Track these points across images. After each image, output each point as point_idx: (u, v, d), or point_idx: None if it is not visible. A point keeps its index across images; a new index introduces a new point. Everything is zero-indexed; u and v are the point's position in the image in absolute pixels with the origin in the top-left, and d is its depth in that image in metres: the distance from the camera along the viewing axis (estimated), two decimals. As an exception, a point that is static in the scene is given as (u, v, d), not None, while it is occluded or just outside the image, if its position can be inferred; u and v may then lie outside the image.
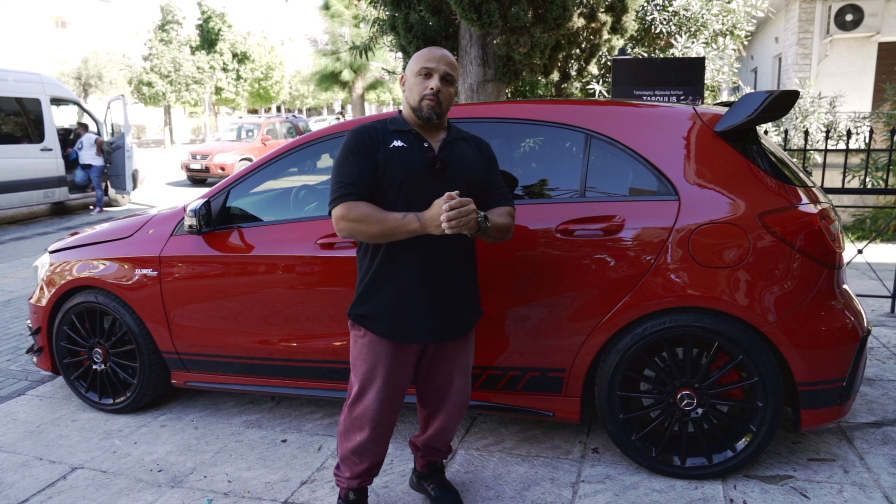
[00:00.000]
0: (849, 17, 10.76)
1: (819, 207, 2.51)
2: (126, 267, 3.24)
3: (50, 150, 10.66)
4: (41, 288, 3.53)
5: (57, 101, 11.31)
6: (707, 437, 2.58)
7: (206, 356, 3.18)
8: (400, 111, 2.26)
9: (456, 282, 2.18)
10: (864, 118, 8.63)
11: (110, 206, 11.99)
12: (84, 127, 11.62)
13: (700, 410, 2.55)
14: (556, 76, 6.96)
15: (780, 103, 2.49)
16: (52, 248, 3.61)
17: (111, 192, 11.86)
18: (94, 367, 3.42)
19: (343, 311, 2.84)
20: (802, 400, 2.48)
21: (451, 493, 2.46)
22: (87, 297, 3.33)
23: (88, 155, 11.13)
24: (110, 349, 3.36)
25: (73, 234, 3.72)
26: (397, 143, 2.12)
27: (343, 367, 2.92)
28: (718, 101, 3.59)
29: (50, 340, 3.52)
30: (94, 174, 11.19)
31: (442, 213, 1.92)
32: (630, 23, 6.73)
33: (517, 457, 2.82)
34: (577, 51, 6.86)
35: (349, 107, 35.55)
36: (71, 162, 11.26)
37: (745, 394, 2.56)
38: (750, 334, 2.44)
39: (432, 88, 2.10)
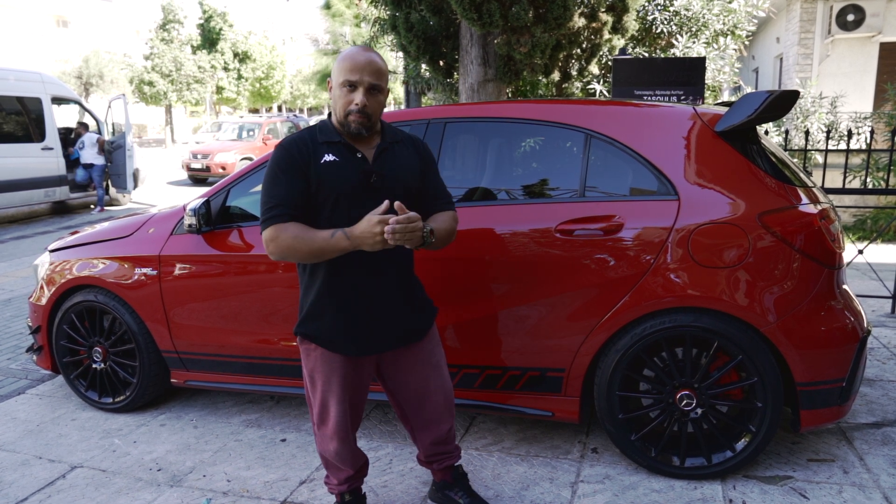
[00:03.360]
0: (850, 18, 10.75)
1: (819, 207, 2.51)
2: (126, 266, 3.24)
3: (51, 149, 10.66)
4: (41, 287, 3.53)
5: (58, 101, 11.32)
6: (706, 437, 2.58)
7: (206, 355, 3.18)
8: (330, 115, 2.13)
9: (399, 291, 2.13)
10: (866, 118, 8.61)
11: (111, 205, 12.00)
12: (84, 126, 11.62)
13: (699, 410, 2.55)
14: (556, 76, 6.96)
15: (781, 103, 2.48)
16: (52, 246, 3.62)
17: (112, 191, 11.87)
18: (94, 366, 3.42)
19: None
20: (802, 400, 2.48)
21: (480, 502, 2.40)
22: (87, 296, 3.33)
23: (90, 154, 11.14)
24: (110, 348, 3.36)
25: (73, 234, 3.72)
26: (329, 158, 2.00)
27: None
28: (719, 101, 3.58)
29: (50, 339, 3.52)
30: (96, 173, 11.19)
31: (374, 227, 1.84)
32: (631, 22, 6.73)
33: (516, 456, 2.82)
34: (578, 50, 6.85)
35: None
36: (72, 161, 11.27)
37: (745, 394, 2.55)
38: (749, 334, 2.44)
39: (357, 104, 1.97)
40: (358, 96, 1.97)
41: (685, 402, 2.54)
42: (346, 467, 2.27)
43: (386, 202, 1.87)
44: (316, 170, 2.00)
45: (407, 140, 2.18)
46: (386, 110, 2.34)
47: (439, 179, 2.23)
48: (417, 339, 2.21)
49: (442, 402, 2.29)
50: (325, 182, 1.99)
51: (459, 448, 2.45)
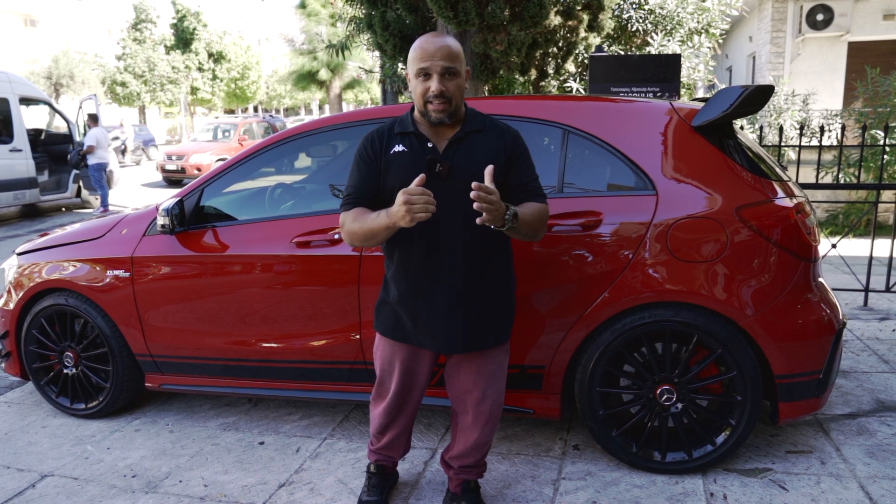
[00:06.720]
0: (819, 17, 10.95)
1: (795, 201, 2.53)
2: (97, 268, 3.16)
3: (20, 150, 10.42)
4: (9, 291, 3.43)
5: (26, 101, 11.06)
6: (687, 431, 2.59)
7: (182, 358, 3.12)
8: (412, 108, 2.11)
9: (466, 295, 2.06)
10: (836, 115, 8.77)
11: (83, 207, 11.77)
12: (94, 119, 11.09)
13: (680, 405, 2.55)
14: (533, 74, 6.97)
15: (756, 98, 2.50)
16: (20, 249, 3.52)
17: (84, 193, 11.63)
18: (65, 371, 3.33)
19: (320, 311, 2.80)
20: (780, 393, 2.49)
21: None
22: (58, 300, 3.25)
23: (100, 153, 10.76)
24: (82, 353, 3.28)
25: (42, 236, 3.63)
26: (398, 148, 2.01)
27: (321, 367, 2.88)
28: (696, 98, 3.61)
29: (18, 345, 3.42)
30: (92, 171, 10.76)
31: (399, 197, 1.78)
32: (606, 21, 6.77)
33: (498, 455, 2.81)
34: (555, 49, 6.88)
35: (327, 107, 35.36)
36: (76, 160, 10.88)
37: (724, 388, 2.57)
38: (728, 328, 2.45)
39: (433, 91, 1.93)
40: (433, 83, 1.93)
41: (665, 396, 2.54)
42: (381, 438, 2.36)
43: (421, 176, 1.79)
44: (385, 160, 2.04)
45: (493, 129, 2.08)
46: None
47: (529, 172, 2.09)
48: (482, 347, 2.14)
49: (487, 411, 2.23)
50: (391, 172, 2.02)
51: (484, 466, 2.40)
